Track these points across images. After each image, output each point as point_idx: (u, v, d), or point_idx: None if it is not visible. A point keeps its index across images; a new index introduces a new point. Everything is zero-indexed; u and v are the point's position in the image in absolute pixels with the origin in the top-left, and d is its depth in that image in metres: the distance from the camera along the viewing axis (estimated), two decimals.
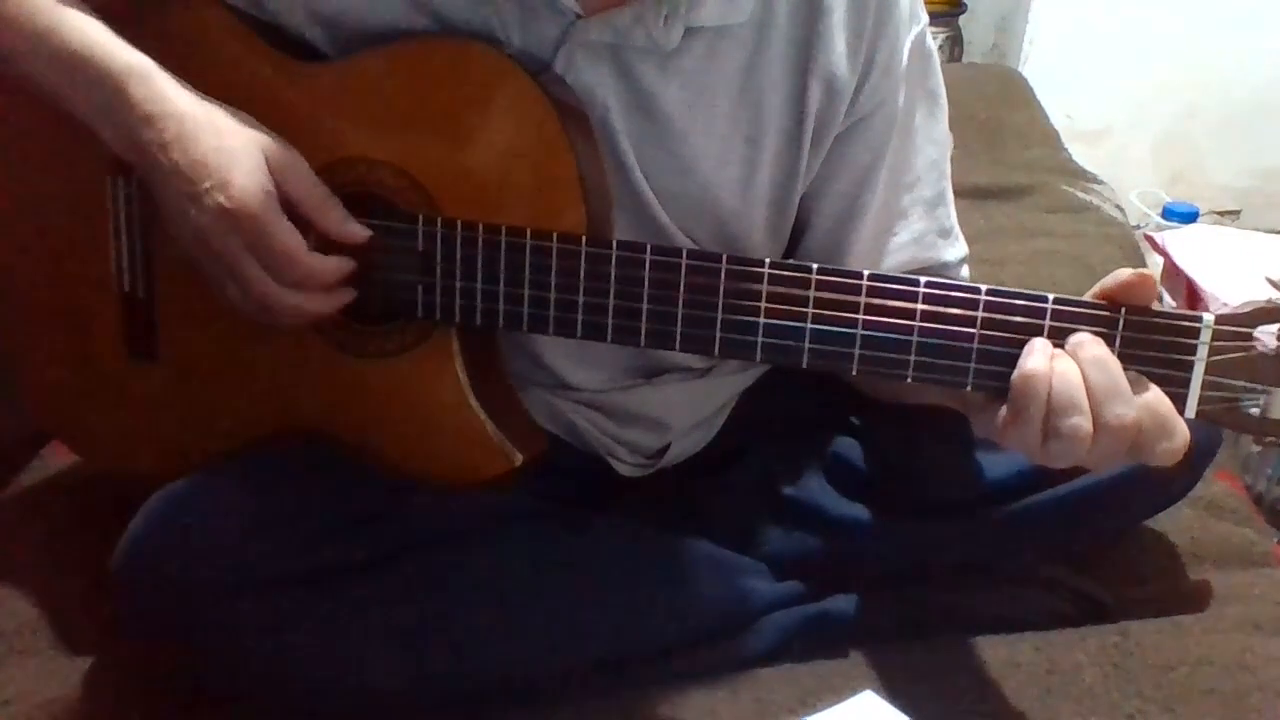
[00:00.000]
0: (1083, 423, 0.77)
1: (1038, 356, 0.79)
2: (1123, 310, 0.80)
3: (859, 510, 1.07)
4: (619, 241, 0.87)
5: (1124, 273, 0.80)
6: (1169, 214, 2.44)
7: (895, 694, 0.97)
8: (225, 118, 0.87)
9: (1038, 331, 0.81)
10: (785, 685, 0.99)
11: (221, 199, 0.84)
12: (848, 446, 1.10)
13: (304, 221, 0.88)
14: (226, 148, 0.85)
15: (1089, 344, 0.79)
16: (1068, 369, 0.78)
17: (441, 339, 0.92)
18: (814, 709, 0.95)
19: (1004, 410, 0.80)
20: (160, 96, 0.87)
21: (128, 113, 0.87)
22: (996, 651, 1.02)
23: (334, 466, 0.97)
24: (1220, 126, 2.67)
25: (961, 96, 2.00)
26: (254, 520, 0.92)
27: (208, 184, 0.85)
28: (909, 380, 0.84)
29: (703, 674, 1.00)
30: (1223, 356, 0.79)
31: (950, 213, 1.04)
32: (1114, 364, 0.78)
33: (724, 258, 0.85)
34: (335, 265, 0.89)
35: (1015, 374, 0.79)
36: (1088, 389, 0.77)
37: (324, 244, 0.89)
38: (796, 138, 0.94)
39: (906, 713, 0.95)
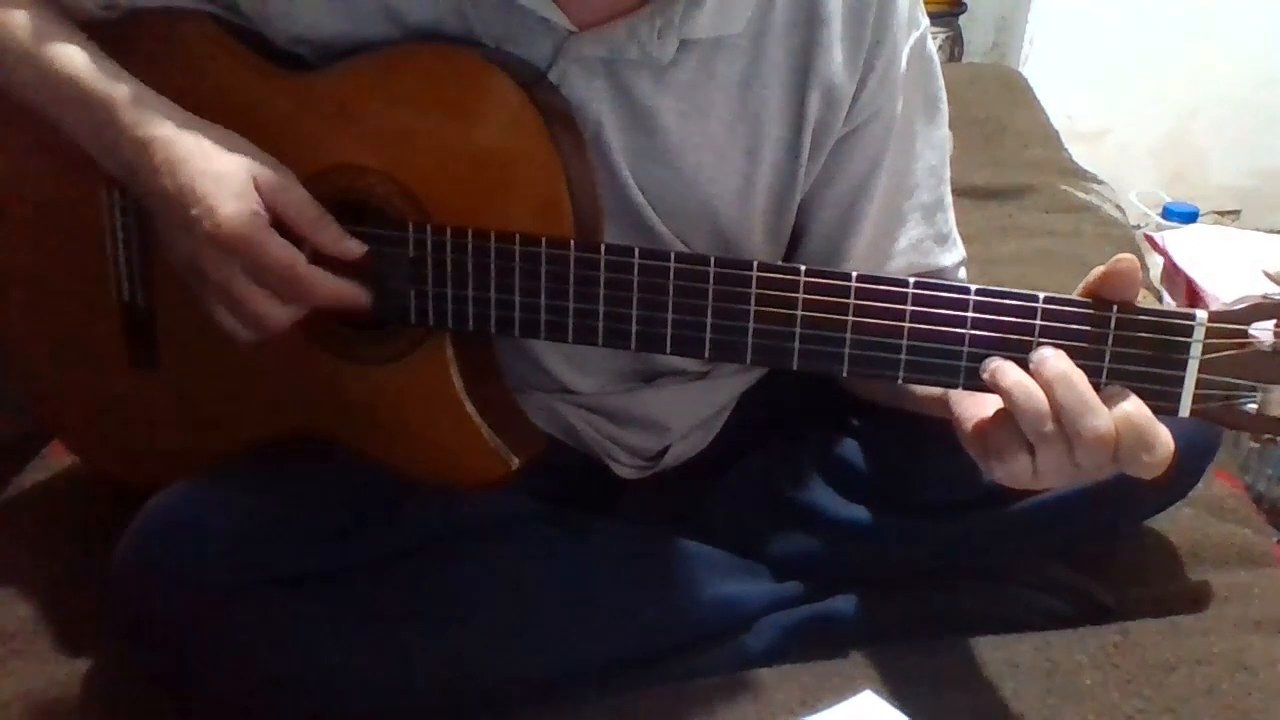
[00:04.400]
0: (1057, 446, 0.76)
1: (1010, 386, 0.77)
2: (1114, 309, 0.79)
3: (859, 511, 1.07)
4: (608, 245, 0.86)
5: (1099, 269, 0.79)
6: (1169, 214, 2.44)
7: (895, 694, 0.97)
8: (213, 140, 0.86)
9: (1029, 331, 0.80)
10: (785, 685, 0.99)
11: (210, 225, 0.84)
12: (848, 448, 1.10)
13: (298, 239, 0.87)
14: (214, 172, 0.85)
15: (1050, 361, 0.77)
16: (1030, 395, 0.76)
17: (436, 344, 0.92)
18: (814, 709, 0.95)
19: (992, 455, 0.79)
20: (147, 121, 0.86)
21: (116, 138, 0.87)
22: (996, 651, 1.02)
23: (333, 468, 0.97)
24: (1220, 126, 2.68)
25: (961, 96, 2.01)
26: (253, 522, 0.92)
27: (196, 210, 0.84)
28: (900, 381, 0.84)
29: (703, 674, 1.00)
30: (1217, 354, 0.78)
31: (949, 218, 1.04)
32: (1078, 378, 0.76)
33: (712, 260, 0.85)
34: (345, 288, 0.88)
35: (986, 425, 0.79)
36: (1055, 409, 0.76)
37: (317, 258, 0.88)
38: (795, 147, 0.94)
39: (906, 713, 0.95)
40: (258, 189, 0.85)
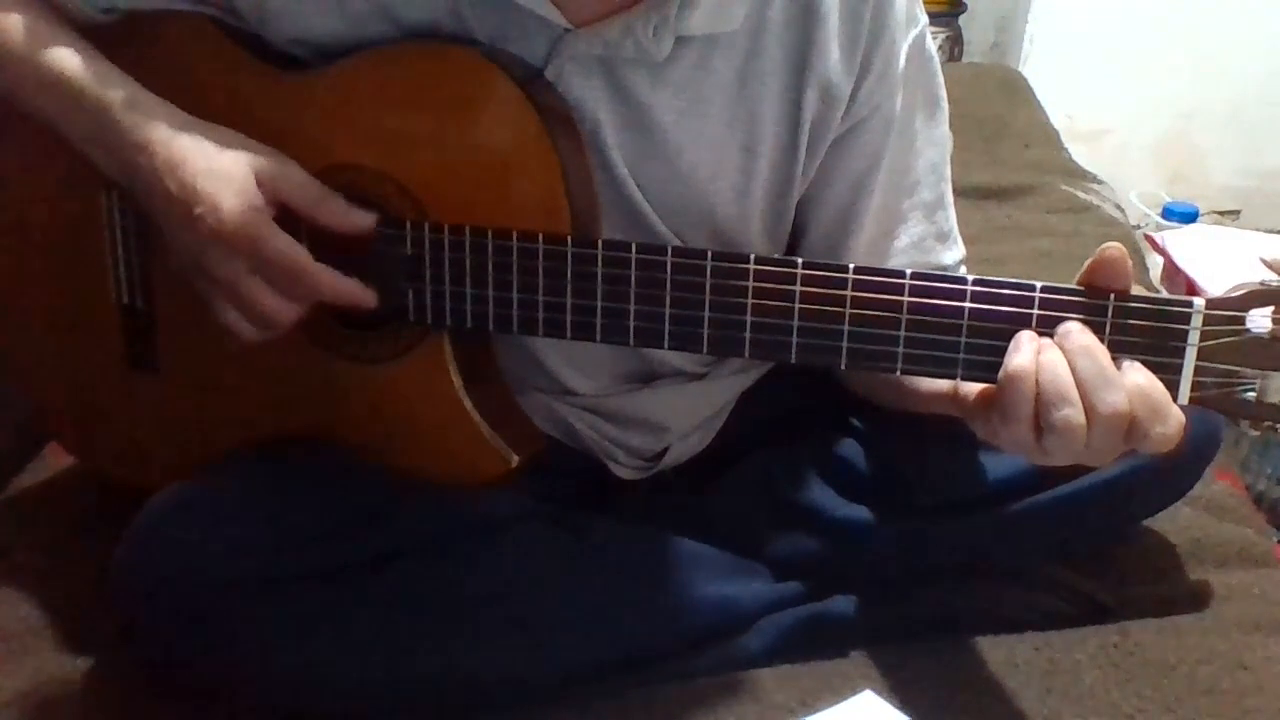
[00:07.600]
0: (1074, 414, 0.76)
1: (1023, 353, 0.78)
2: (1111, 297, 0.79)
3: (859, 511, 1.07)
4: (605, 241, 0.87)
5: (1089, 261, 0.79)
6: (1169, 214, 2.44)
7: (895, 694, 0.98)
8: (212, 140, 0.86)
9: (1026, 321, 0.80)
10: (785, 685, 0.99)
11: (213, 223, 0.84)
12: (848, 448, 1.10)
13: (303, 223, 0.87)
14: (215, 170, 0.85)
15: (1076, 333, 0.78)
16: (1055, 360, 0.77)
17: (434, 342, 0.92)
18: (814, 709, 0.95)
19: (996, 413, 0.80)
20: (145, 123, 0.86)
21: (116, 140, 0.87)
22: (996, 651, 1.02)
23: (333, 467, 0.97)
24: (1220, 126, 2.67)
25: (961, 96, 2.00)
26: (252, 522, 0.92)
27: (199, 209, 0.84)
28: (898, 372, 0.84)
29: (703, 675, 1.00)
30: (1215, 342, 0.78)
31: (949, 216, 1.04)
32: (1101, 352, 0.77)
33: (709, 255, 0.85)
34: (349, 283, 0.88)
35: (1001, 373, 0.79)
36: (1076, 379, 0.76)
37: (316, 247, 0.88)
38: (793, 144, 0.94)
39: (906, 713, 0.95)
40: (258, 182, 0.85)
